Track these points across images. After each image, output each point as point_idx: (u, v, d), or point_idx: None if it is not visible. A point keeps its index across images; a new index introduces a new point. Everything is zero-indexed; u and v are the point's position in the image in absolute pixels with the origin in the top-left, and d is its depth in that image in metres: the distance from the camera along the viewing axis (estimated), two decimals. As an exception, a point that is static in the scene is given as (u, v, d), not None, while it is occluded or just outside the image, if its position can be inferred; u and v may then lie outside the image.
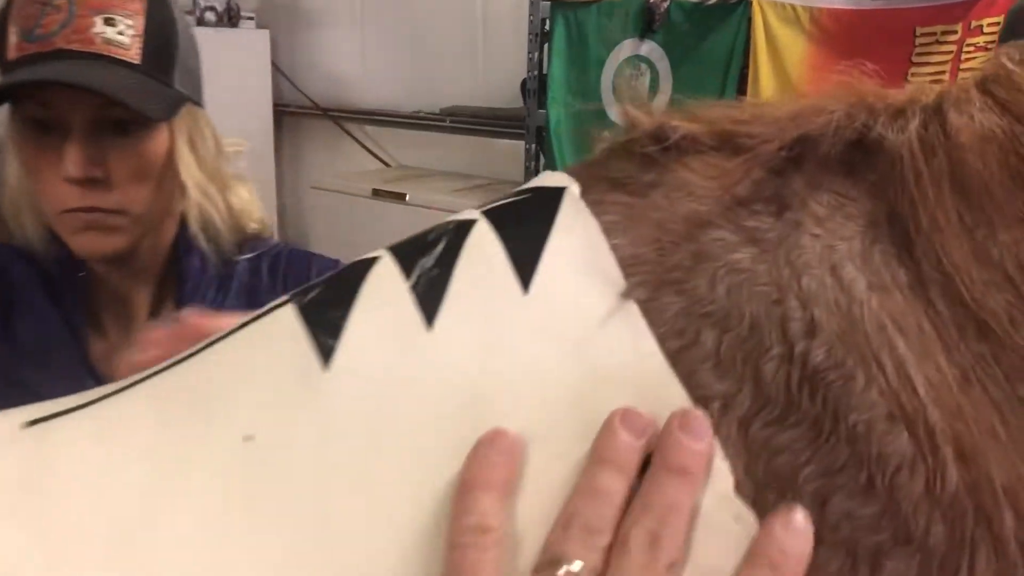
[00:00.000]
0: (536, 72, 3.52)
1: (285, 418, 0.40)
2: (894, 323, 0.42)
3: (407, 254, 0.43)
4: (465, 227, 0.43)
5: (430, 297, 0.41)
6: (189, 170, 1.10)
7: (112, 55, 1.00)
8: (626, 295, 0.42)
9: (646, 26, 3.21)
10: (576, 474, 0.39)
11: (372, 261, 0.43)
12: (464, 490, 0.38)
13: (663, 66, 3.23)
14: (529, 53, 3.52)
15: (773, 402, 0.40)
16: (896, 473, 0.39)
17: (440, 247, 0.43)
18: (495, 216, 0.44)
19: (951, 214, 0.44)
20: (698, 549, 0.38)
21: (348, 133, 4.56)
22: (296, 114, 4.79)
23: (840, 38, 3.00)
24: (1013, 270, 0.44)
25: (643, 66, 3.27)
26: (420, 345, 0.40)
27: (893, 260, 0.44)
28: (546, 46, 3.47)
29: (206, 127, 1.14)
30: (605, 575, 0.37)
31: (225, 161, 1.18)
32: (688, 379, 0.41)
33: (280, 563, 0.37)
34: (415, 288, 0.42)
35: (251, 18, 4.56)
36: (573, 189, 0.44)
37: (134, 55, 1.01)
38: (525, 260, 0.42)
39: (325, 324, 0.41)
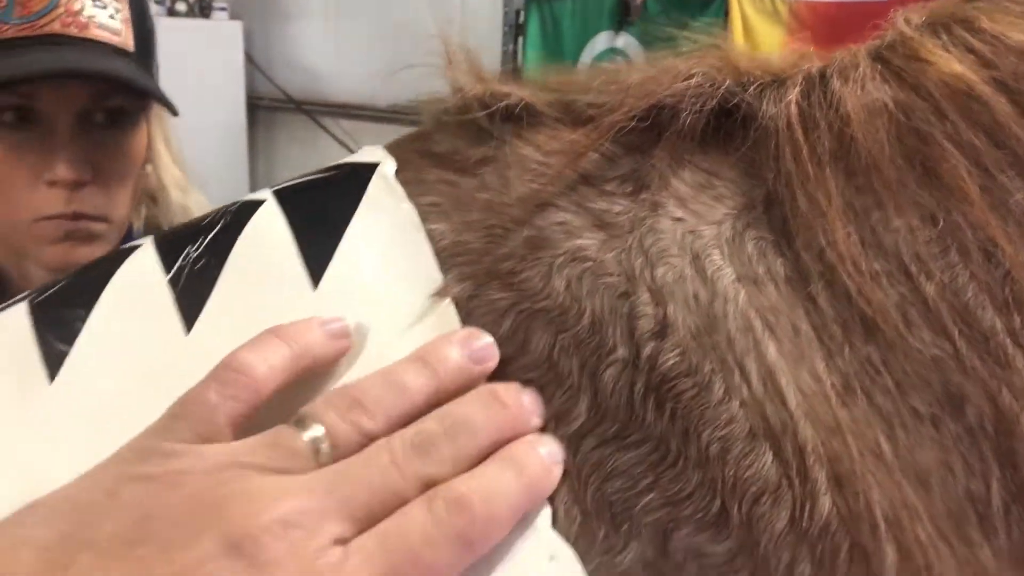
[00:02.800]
0: (511, 65, 3.46)
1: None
2: (764, 322, 0.36)
3: (173, 241, 0.36)
4: (248, 208, 0.36)
5: (192, 293, 0.34)
6: (168, 168, 1.03)
7: (109, 42, 0.90)
8: (442, 293, 0.35)
9: (622, 18, 3.15)
10: None
11: (129, 251, 0.36)
12: (261, 334, 0.33)
13: (639, 59, 3.17)
14: (504, 46, 3.46)
15: (611, 416, 0.34)
16: (756, 502, 0.33)
17: (213, 232, 0.36)
18: (287, 196, 0.37)
19: (835, 196, 0.38)
20: None
21: (322, 127, 4.48)
22: (270, 108, 4.71)
23: (818, 30, 2.93)
24: (909, 260, 0.37)
25: (619, 59, 3.21)
26: (172, 355, 0.34)
27: (769, 248, 0.37)
28: (520, 39, 3.41)
29: (169, 127, 1.06)
30: (346, 457, 0.30)
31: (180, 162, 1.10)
32: None
33: None
34: (174, 282, 0.35)
35: (223, 9, 4.47)
36: (387, 166, 0.38)
37: (128, 42, 0.92)
38: (317, 250, 0.35)
39: (59, 327, 0.34)
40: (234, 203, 0.38)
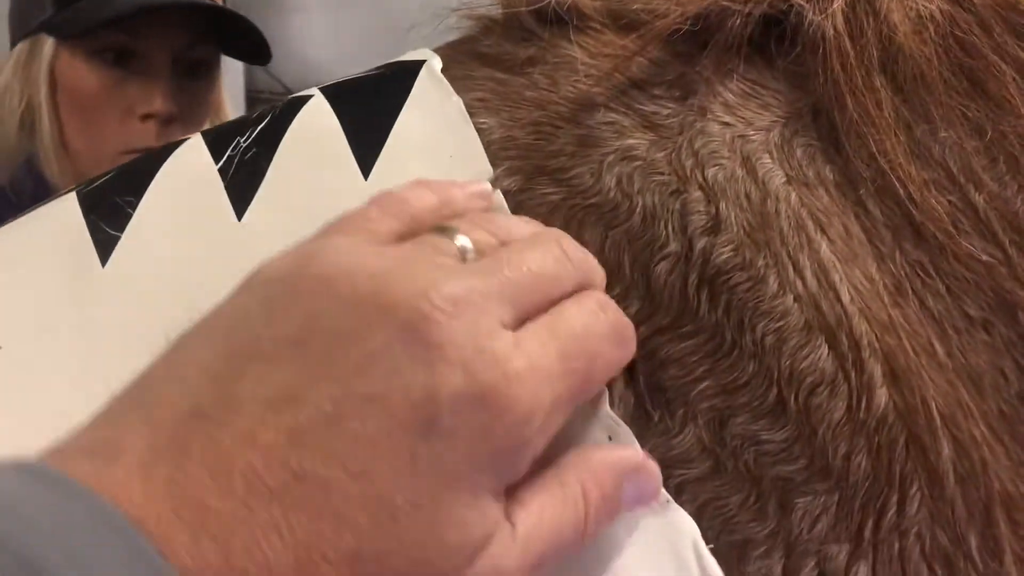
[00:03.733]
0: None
1: (44, 325, 0.32)
2: (816, 223, 0.35)
3: (222, 132, 0.35)
4: (297, 103, 0.36)
5: (243, 181, 0.34)
6: (229, 111, 1.12)
7: None
8: (492, 184, 0.35)
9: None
10: None
11: (178, 144, 0.36)
12: (411, 182, 0.32)
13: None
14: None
15: (665, 308, 0.33)
16: (812, 393, 0.32)
17: (263, 124, 0.35)
18: (335, 92, 0.36)
19: (885, 105, 0.38)
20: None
21: (321, 121, 4.48)
22: (269, 100, 4.69)
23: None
24: (957, 170, 0.37)
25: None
26: (224, 240, 0.33)
27: (818, 155, 0.37)
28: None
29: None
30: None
31: None
32: None
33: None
34: (224, 170, 0.34)
35: (223, 2, 4.48)
36: (434, 63, 0.37)
37: None
38: (367, 141, 0.35)
39: (109, 213, 0.34)
40: (282, 99, 0.37)
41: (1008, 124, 0.37)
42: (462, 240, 0.29)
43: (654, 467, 0.30)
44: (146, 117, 0.97)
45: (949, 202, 0.37)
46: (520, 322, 0.27)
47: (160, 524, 0.23)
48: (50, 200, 0.36)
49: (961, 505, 0.32)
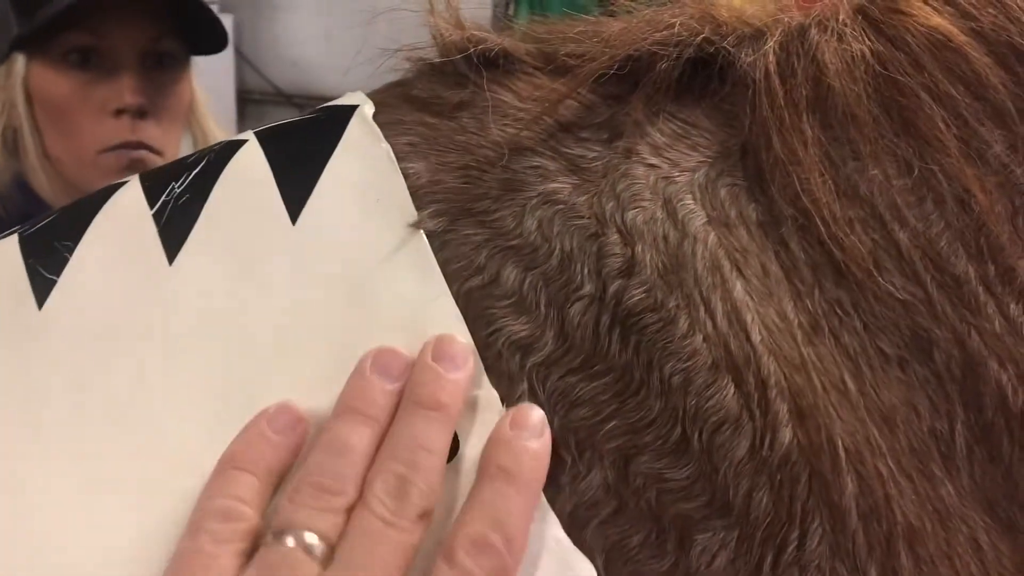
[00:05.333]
0: (500, 56, 3.46)
1: None
2: (733, 262, 0.36)
3: (158, 177, 0.37)
4: (231, 148, 0.37)
5: (176, 226, 0.35)
6: (207, 115, 1.12)
7: None
8: (416, 226, 0.35)
9: (610, 2, 3.16)
10: None
11: (117, 187, 0.37)
12: (220, 467, 0.32)
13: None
14: (493, 35, 3.47)
15: (577, 348, 0.34)
16: (716, 431, 0.33)
17: (197, 170, 0.36)
18: (269, 136, 0.38)
19: (811, 144, 0.38)
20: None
21: (313, 121, 4.49)
22: (260, 100, 4.69)
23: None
24: (884, 208, 0.38)
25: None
26: (157, 282, 0.34)
27: (743, 194, 0.38)
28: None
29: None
30: (346, 538, 0.30)
31: None
32: (481, 321, 0.35)
33: None
34: (158, 216, 0.35)
35: (213, 2, 4.46)
36: (366, 109, 0.38)
37: None
38: (296, 186, 0.36)
39: (47, 257, 0.35)
40: (218, 143, 0.38)
41: (936, 162, 0.38)
42: (299, 538, 0.30)
43: None
44: (118, 113, 0.98)
45: (872, 240, 0.37)
46: None
47: None
48: None
49: (863, 539, 0.33)
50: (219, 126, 1.14)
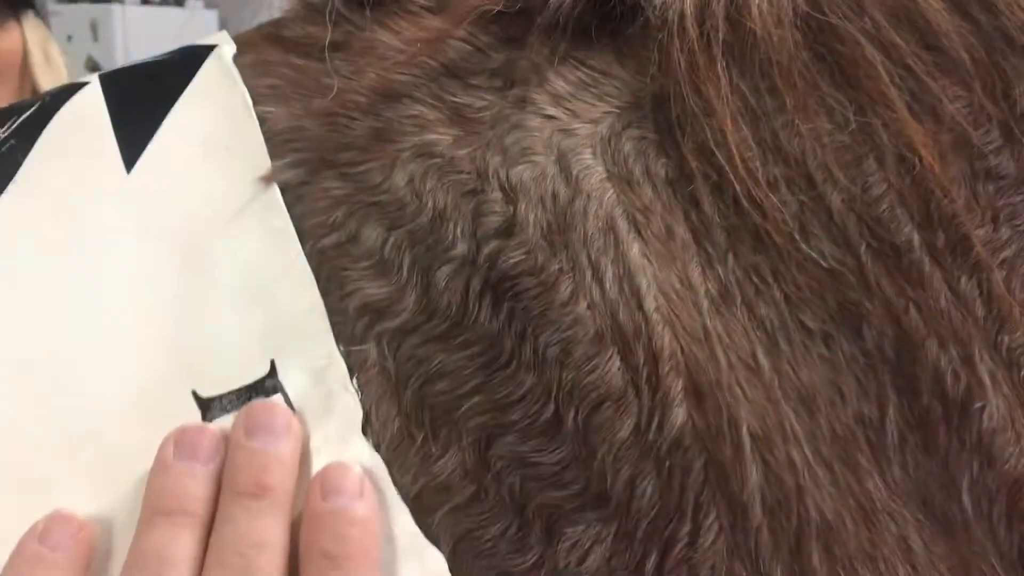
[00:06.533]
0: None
1: None
2: (631, 222, 0.32)
3: None
4: (69, 91, 0.33)
5: None
6: (45, 78, 1.07)
7: None
8: (268, 178, 0.31)
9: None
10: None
11: None
12: None
13: None
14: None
15: (441, 314, 0.30)
16: (595, 410, 0.29)
17: (28, 113, 0.33)
18: (113, 78, 0.34)
19: (730, 95, 0.34)
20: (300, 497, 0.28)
21: (300, 118, 4.46)
22: (247, 99, 4.69)
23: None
24: (814, 167, 0.33)
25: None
26: None
27: (651, 148, 0.34)
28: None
29: (57, 54, 1.11)
30: None
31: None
32: (333, 282, 0.31)
33: None
34: None
35: (199, -1, 4.44)
36: (225, 49, 0.34)
37: None
38: (134, 132, 0.32)
39: None
40: (59, 87, 0.34)
41: (878, 116, 0.34)
42: None
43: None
44: None
45: (799, 202, 0.33)
46: None
47: None
48: None
49: (767, 536, 0.29)
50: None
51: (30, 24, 1.05)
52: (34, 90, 1.05)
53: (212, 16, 4.51)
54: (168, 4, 4.29)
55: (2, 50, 1.02)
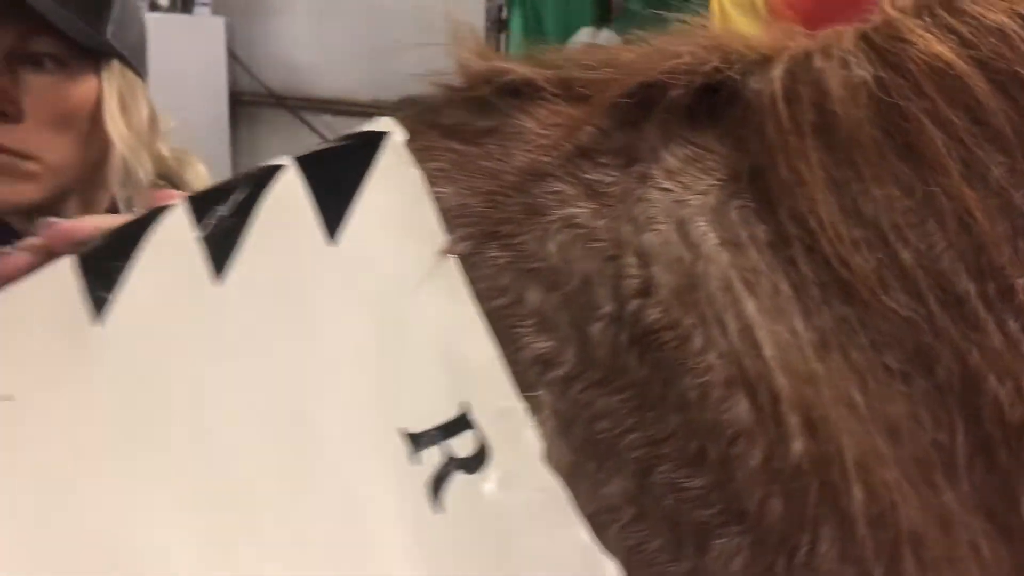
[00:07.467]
0: (494, 61, 3.48)
1: (47, 376, 0.36)
2: (744, 282, 0.38)
3: (203, 202, 0.39)
4: (270, 173, 0.39)
5: (221, 248, 0.37)
6: (117, 126, 1.04)
7: None
8: (446, 251, 0.37)
9: (603, 15, 3.17)
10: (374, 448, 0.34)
11: (163, 210, 0.39)
12: None
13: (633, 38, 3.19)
14: (486, 41, 3.48)
15: (598, 364, 0.36)
16: (732, 443, 0.35)
17: (239, 195, 0.38)
18: (307, 162, 0.40)
19: (816, 167, 0.40)
20: (496, 518, 0.34)
21: (306, 122, 4.48)
22: (253, 103, 4.69)
23: (794, 23, 2.97)
24: (888, 228, 0.40)
25: (601, 55, 3.23)
26: (206, 299, 0.36)
27: (752, 216, 0.40)
28: (503, 35, 3.43)
29: (142, 98, 1.08)
30: None
31: (160, 138, 1.12)
32: (507, 338, 0.36)
33: (8, 522, 0.33)
34: (207, 238, 0.37)
35: (206, 4, 4.45)
36: (397, 136, 0.40)
37: None
38: (333, 210, 0.38)
39: (101, 276, 0.37)
40: (257, 168, 0.40)
41: (938, 184, 0.40)
42: None
43: None
44: None
45: (877, 260, 0.39)
46: None
47: None
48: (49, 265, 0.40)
49: (870, 545, 0.35)
50: (139, 135, 1.08)
51: (111, 74, 1.04)
52: (105, 138, 1.04)
53: (219, 23, 4.55)
54: (176, 10, 4.32)
55: (71, 99, 1.01)
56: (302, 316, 0.36)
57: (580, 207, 0.39)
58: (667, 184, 0.40)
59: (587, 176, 0.39)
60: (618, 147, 0.41)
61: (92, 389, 0.35)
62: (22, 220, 1.05)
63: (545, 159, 0.40)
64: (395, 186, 0.38)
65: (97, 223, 0.42)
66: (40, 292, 0.39)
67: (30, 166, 0.97)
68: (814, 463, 0.35)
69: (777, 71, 0.42)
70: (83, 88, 1.00)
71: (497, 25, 3.47)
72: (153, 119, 1.11)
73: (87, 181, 1.06)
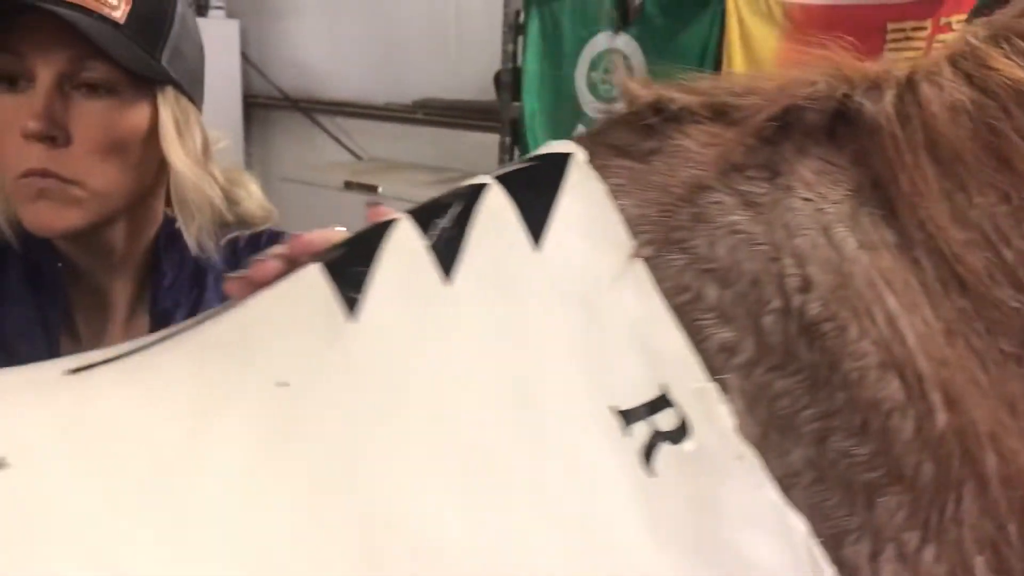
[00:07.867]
0: (510, 64, 3.53)
1: (314, 365, 0.43)
2: (884, 279, 0.45)
3: (424, 216, 0.46)
4: (478, 190, 0.46)
5: (447, 254, 0.44)
6: (177, 154, 1.02)
7: (95, 10, 0.92)
8: (633, 255, 0.44)
9: (621, 19, 3.23)
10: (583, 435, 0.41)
11: (390, 224, 0.46)
12: None
13: (637, 60, 3.26)
14: (504, 45, 3.53)
15: (773, 351, 0.43)
16: (888, 416, 0.42)
17: (455, 209, 0.45)
18: (507, 180, 0.47)
19: (930, 179, 0.47)
20: (700, 481, 0.41)
21: (319, 125, 4.54)
22: (266, 106, 4.74)
23: (812, 33, 3.03)
24: (991, 230, 0.47)
25: (617, 59, 3.29)
26: (439, 298, 0.43)
27: (880, 222, 0.47)
28: (520, 39, 3.48)
29: (196, 123, 1.05)
30: None
31: (212, 162, 1.09)
32: (692, 330, 0.43)
33: (305, 492, 0.40)
34: (434, 246, 0.44)
35: (220, 7, 4.51)
36: (580, 155, 0.47)
37: (119, 15, 0.94)
38: (536, 221, 0.45)
39: (349, 279, 0.44)
40: (463, 186, 0.47)
41: None
42: None
43: None
44: (27, 137, 0.92)
45: (986, 258, 0.46)
46: None
47: None
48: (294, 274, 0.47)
49: (1004, 502, 0.42)
50: (197, 162, 1.05)
51: (167, 99, 1.02)
52: (155, 165, 1.02)
53: (233, 25, 4.60)
54: (190, 14, 4.35)
55: (121, 126, 0.98)
56: (518, 312, 0.43)
57: (739, 215, 0.46)
58: (807, 194, 0.47)
59: (741, 188, 0.46)
60: (762, 162, 0.48)
61: (353, 374, 0.42)
62: (67, 243, 1.03)
63: (705, 173, 0.47)
64: (584, 199, 0.45)
65: (327, 236, 0.49)
66: (295, 294, 0.45)
67: (76, 191, 0.95)
68: (955, 433, 0.42)
69: (888, 96, 0.49)
70: (134, 115, 0.99)
71: (514, 30, 3.52)
72: (206, 144, 1.08)
73: (135, 207, 1.04)
